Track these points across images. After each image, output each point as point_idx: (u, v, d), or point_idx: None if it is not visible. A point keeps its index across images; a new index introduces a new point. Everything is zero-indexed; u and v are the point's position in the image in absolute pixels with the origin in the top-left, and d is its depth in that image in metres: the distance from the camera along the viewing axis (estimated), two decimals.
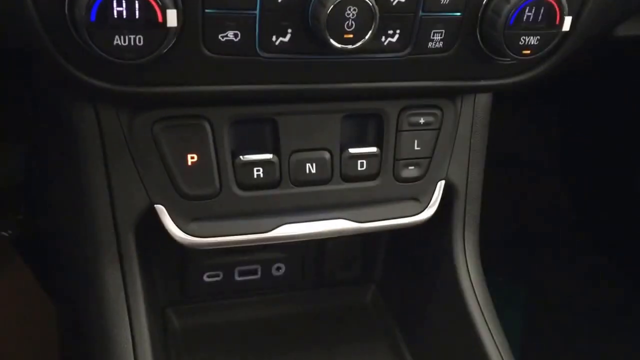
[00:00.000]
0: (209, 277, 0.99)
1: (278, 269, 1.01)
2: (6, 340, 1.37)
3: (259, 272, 1.01)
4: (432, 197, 0.88)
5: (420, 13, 0.71)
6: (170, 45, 0.64)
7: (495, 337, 0.88)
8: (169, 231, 0.79)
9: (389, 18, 0.69)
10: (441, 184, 0.89)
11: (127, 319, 0.79)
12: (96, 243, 0.80)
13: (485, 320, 0.89)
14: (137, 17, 0.61)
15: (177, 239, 0.79)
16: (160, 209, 0.78)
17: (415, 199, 0.88)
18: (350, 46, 0.67)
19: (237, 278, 1.00)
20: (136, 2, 0.60)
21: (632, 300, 1.86)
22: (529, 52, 0.74)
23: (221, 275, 0.99)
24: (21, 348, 1.39)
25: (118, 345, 0.78)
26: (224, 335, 0.97)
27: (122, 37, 0.61)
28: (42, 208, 1.16)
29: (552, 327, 2.02)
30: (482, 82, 0.81)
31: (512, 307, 2.05)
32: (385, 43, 0.71)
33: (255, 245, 0.88)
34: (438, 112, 0.85)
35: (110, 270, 0.80)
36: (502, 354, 0.87)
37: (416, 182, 0.87)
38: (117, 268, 0.80)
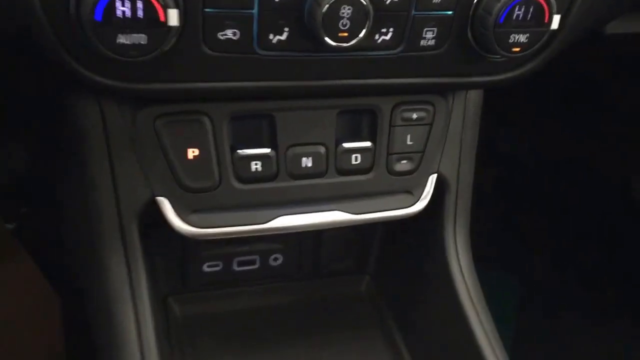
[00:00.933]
0: (208, 267, 1.01)
1: (275, 259, 1.04)
2: (11, 332, 1.39)
3: (257, 263, 1.03)
4: (424, 190, 0.90)
5: (413, 12, 0.73)
6: (172, 43, 0.67)
7: (485, 326, 0.91)
8: (170, 222, 0.81)
9: (382, 17, 0.71)
10: (433, 178, 0.91)
11: (131, 306, 0.81)
12: (101, 233, 0.82)
13: (475, 309, 0.92)
14: (140, 16, 0.63)
15: (178, 229, 0.82)
16: (162, 201, 0.81)
17: (408, 192, 0.90)
18: (344, 44, 0.70)
19: (236, 268, 1.03)
20: (139, 1, 0.63)
21: (627, 296, 1.88)
22: (518, 49, 0.76)
23: (220, 266, 1.01)
24: (26, 340, 1.41)
25: (123, 332, 0.80)
26: (222, 323, 1.00)
27: (125, 36, 0.64)
28: (46, 201, 1.18)
29: (545, 321, 2.04)
30: (473, 79, 0.83)
31: (505, 300, 2.08)
32: (379, 41, 0.74)
33: (253, 237, 0.91)
34: (430, 107, 0.87)
35: (115, 260, 0.82)
36: (492, 342, 0.90)
37: (409, 176, 0.89)
38: (122, 257, 0.82)
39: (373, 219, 0.89)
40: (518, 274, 2.10)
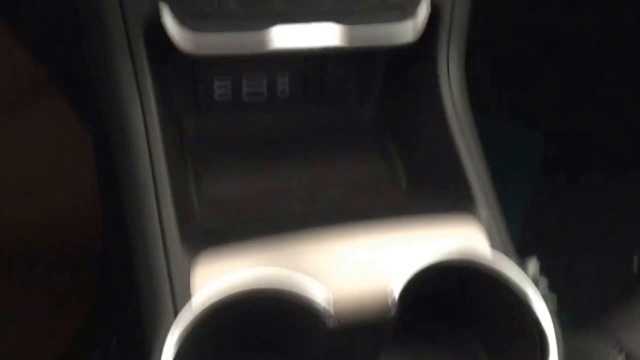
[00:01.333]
0: (219, 96, 1.07)
1: (283, 91, 1.09)
2: (47, 171, 1.49)
3: (265, 93, 1.08)
4: (418, 17, 0.93)
5: None
6: None
7: (471, 152, 0.96)
8: (171, 37, 0.86)
9: None
10: (427, 5, 0.94)
11: (139, 107, 0.89)
12: (109, 42, 0.88)
13: (463, 133, 0.97)
14: None
15: (179, 45, 0.87)
16: (165, 10, 0.86)
17: (403, 19, 0.93)
18: None
19: (245, 99, 1.08)
20: None
21: None
22: None
23: (230, 95, 1.07)
24: (61, 179, 1.51)
25: (131, 127, 0.88)
26: (235, 142, 1.06)
27: None
28: (74, 38, 1.24)
29: (565, 173, 2.08)
30: None
31: (527, 153, 2.12)
32: None
33: (259, 61, 0.95)
34: None
35: (123, 65, 0.89)
36: (476, 163, 0.96)
37: (403, 3, 0.92)
38: (130, 66, 0.89)
39: (369, 43, 0.92)
40: (543, 129, 2.12)
